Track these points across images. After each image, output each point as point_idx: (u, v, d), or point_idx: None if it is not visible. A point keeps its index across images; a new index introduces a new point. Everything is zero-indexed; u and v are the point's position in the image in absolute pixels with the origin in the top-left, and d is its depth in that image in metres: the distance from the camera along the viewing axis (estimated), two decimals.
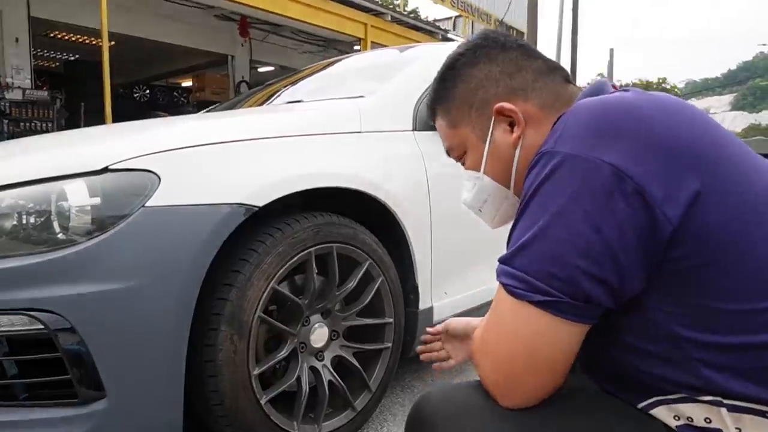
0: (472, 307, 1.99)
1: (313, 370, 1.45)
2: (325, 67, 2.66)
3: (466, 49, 0.86)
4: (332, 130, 1.56)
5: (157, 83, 11.45)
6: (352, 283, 1.50)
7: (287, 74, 2.90)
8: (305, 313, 1.41)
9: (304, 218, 1.38)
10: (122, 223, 1.09)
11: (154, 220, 1.12)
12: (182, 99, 11.18)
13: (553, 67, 0.84)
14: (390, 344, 1.61)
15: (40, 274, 1.03)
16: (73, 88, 7.88)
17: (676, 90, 33.71)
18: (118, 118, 4.62)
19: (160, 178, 1.15)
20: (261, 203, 1.25)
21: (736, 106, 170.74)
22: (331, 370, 1.48)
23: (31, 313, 1.00)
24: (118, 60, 5.01)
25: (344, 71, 2.52)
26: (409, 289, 1.72)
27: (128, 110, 6.86)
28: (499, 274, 0.69)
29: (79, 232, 1.08)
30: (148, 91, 11.04)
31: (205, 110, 2.86)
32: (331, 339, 1.50)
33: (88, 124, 6.64)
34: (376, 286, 1.56)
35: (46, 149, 1.33)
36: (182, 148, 1.22)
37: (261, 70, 10.19)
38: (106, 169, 1.13)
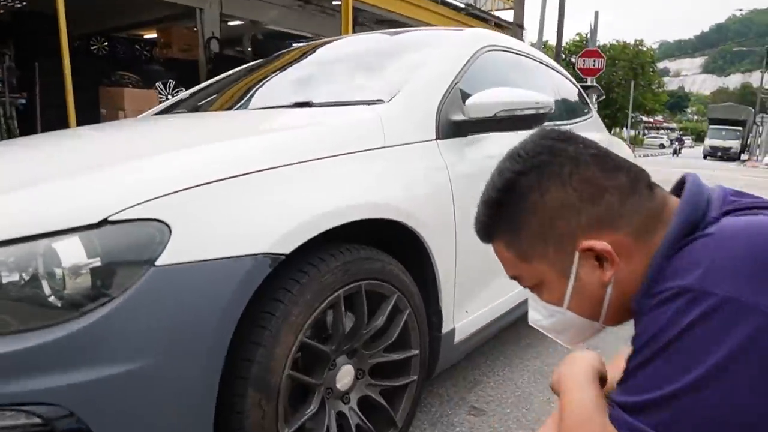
0: (491, 320, 1.88)
1: (340, 414, 1.32)
2: (314, 50, 2.43)
3: (528, 167, 0.71)
4: (356, 148, 1.37)
5: (117, 35, 10.56)
6: (380, 320, 1.35)
7: (273, 57, 2.62)
8: (332, 358, 1.27)
9: (330, 256, 1.21)
10: (130, 289, 0.91)
11: (169, 282, 0.94)
12: (145, 53, 10.25)
13: (636, 178, 0.71)
14: (416, 377, 1.48)
15: (33, 360, 0.85)
16: (24, 42, 6.80)
17: (651, 53, 33.57)
18: (75, 76, 4.31)
19: (170, 229, 0.97)
20: (288, 250, 1.08)
21: (706, 69, 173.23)
22: (358, 412, 1.35)
23: (25, 408, 0.83)
24: (73, 10, 4.54)
25: (346, 58, 2.30)
26: (432, 312, 1.58)
27: (86, 67, 6.09)
28: (618, 423, 0.59)
29: (77, 302, 0.89)
30: (106, 44, 10.12)
31: (178, 97, 2.56)
32: (356, 378, 1.36)
33: (44, 88, 6.06)
34: (404, 320, 1.41)
35: (24, 187, 1.06)
36: (193, 187, 1.03)
37: (232, 24, 9.61)
38: (105, 221, 0.93)
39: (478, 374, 2.07)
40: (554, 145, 0.72)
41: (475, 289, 1.77)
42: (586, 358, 0.91)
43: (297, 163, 1.21)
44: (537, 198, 0.70)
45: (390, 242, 1.46)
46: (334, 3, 8.30)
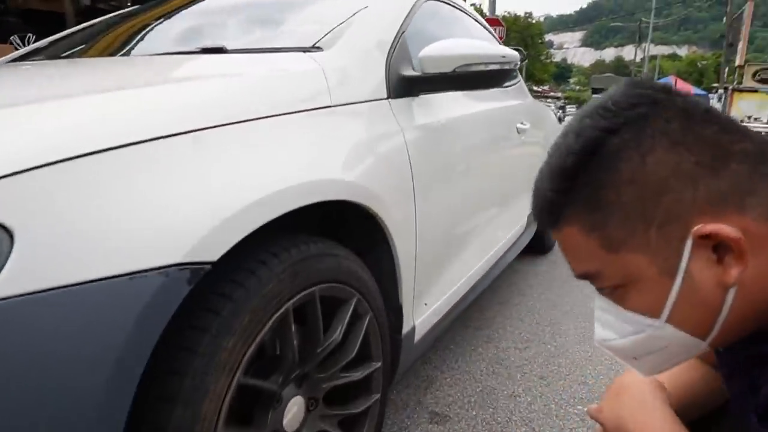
0: (449, 309, 1.62)
1: None
2: None
3: (621, 122, 0.50)
4: (296, 108, 1.00)
5: None
6: (337, 333, 1.02)
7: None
8: (278, 394, 0.92)
9: (272, 257, 0.86)
10: None
11: (10, 329, 0.55)
12: None
13: (765, 146, 0.51)
14: (378, 395, 1.18)
15: None
16: None
17: (540, 26, 35.14)
18: None
19: (12, 237, 0.57)
20: (216, 256, 0.71)
21: (585, 43, 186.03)
22: None
23: None
24: None
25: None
26: (390, 311, 1.28)
27: None
28: None
29: None
30: None
31: (37, 44, 1.95)
32: (308, 410, 1.03)
33: None
34: (364, 327, 1.10)
35: None
36: (51, 164, 0.62)
37: None
38: None
39: (430, 369, 1.82)
40: (655, 95, 0.51)
41: (434, 276, 1.49)
42: (647, 386, 0.68)
43: (212, 127, 0.82)
44: (635, 163, 0.49)
45: (335, 226, 1.14)
46: None
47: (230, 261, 0.80)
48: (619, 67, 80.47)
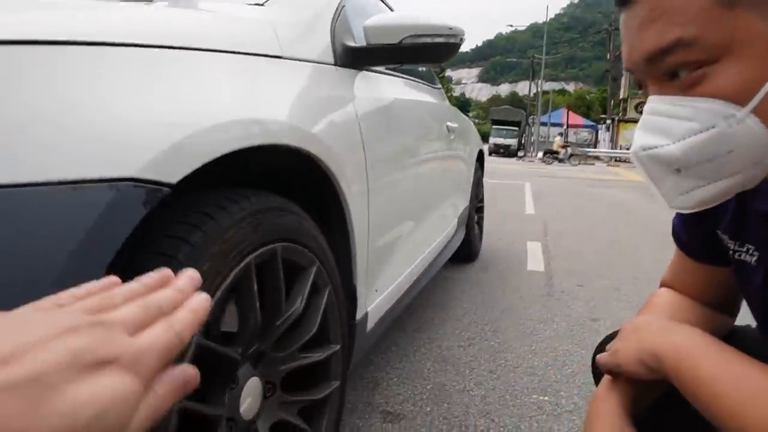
0: (398, 299, 1.57)
1: None
2: None
3: None
4: (250, 49, 0.92)
5: None
6: (298, 304, 0.92)
7: None
8: (236, 365, 0.81)
9: (232, 203, 0.75)
10: None
11: None
12: None
13: None
14: (338, 382, 1.09)
15: None
16: None
17: None
18: None
19: None
20: (174, 178, 0.61)
21: (481, 79, 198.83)
22: None
23: None
24: None
25: None
26: (346, 294, 1.20)
27: None
28: None
29: None
30: None
31: None
32: (264, 396, 0.91)
33: None
34: (323, 302, 1.01)
35: None
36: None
37: None
38: None
39: (373, 371, 1.73)
40: None
41: (384, 260, 1.43)
42: (664, 319, 0.66)
43: (176, 48, 0.72)
44: None
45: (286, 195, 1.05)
46: None
47: (184, 203, 0.69)
48: (514, 101, 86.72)
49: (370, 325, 1.34)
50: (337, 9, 1.38)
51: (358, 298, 1.24)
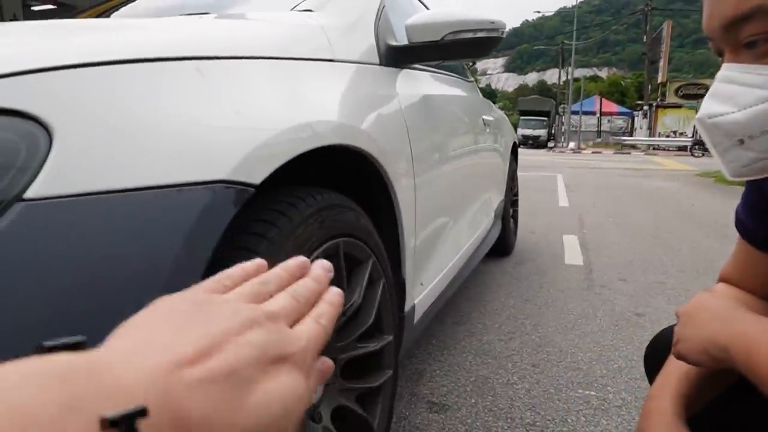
0: (441, 292, 1.63)
1: None
2: None
3: None
4: (308, 55, 0.99)
5: None
6: (357, 296, 1.00)
7: None
8: None
9: (299, 200, 0.83)
10: None
11: (47, 230, 0.50)
12: None
13: None
14: (391, 371, 1.16)
15: None
16: None
17: None
18: None
19: (50, 133, 0.52)
20: (258, 179, 0.68)
21: (507, 68, 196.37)
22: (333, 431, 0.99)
23: None
24: None
25: None
26: (396, 286, 1.27)
27: None
28: None
29: None
30: None
31: None
32: (326, 384, 0.99)
33: None
34: (378, 295, 1.08)
35: None
36: (100, 63, 0.58)
37: (37, 8, 8.06)
38: None
39: (417, 363, 1.80)
40: None
41: (429, 254, 1.50)
42: (718, 300, 0.68)
43: (240, 58, 0.80)
44: None
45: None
46: None
47: (259, 203, 0.77)
48: (543, 90, 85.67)
49: (416, 317, 1.40)
50: (378, 9, 1.45)
51: (407, 290, 1.31)
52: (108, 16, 1.63)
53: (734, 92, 0.53)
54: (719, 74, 0.55)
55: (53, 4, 7.86)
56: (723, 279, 0.82)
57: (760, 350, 0.54)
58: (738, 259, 0.79)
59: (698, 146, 19.98)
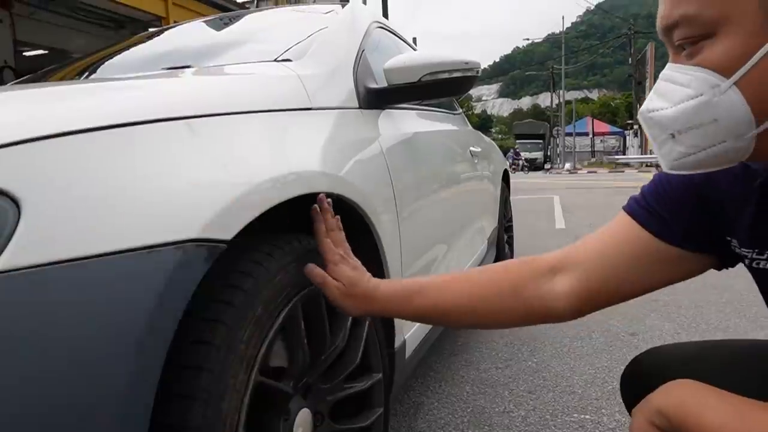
0: (432, 326, 1.62)
1: None
2: (161, 33, 1.99)
3: None
4: (282, 105, 1.01)
5: None
6: (341, 337, 0.99)
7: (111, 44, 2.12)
8: (289, 402, 0.88)
9: (276, 248, 0.83)
10: None
11: (15, 301, 0.51)
12: None
13: None
14: (381, 409, 1.14)
15: None
16: None
17: None
18: None
19: (19, 207, 0.53)
20: (229, 234, 0.69)
21: (502, 94, 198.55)
22: None
23: None
24: None
25: (213, 35, 1.89)
26: (384, 324, 1.26)
27: None
28: None
29: None
30: None
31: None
32: (315, 426, 0.98)
33: None
34: (365, 333, 1.08)
35: None
36: (57, 135, 0.60)
37: (29, 54, 8.23)
38: None
39: (415, 396, 1.78)
40: None
41: None
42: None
43: (216, 114, 0.82)
44: None
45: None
46: (151, 30, 7.53)
47: (235, 254, 0.77)
48: (537, 113, 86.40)
49: (408, 352, 1.39)
50: (357, 55, 1.48)
51: (395, 326, 1.30)
52: (96, 68, 1.66)
53: (670, 90, 0.57)
54: (662, 73, 0.60)
55: (45, 50, 8.00)
56: (559, 261, 0.79)
57: (693, 411, 0.59)
58: (605, 241, 0.77)
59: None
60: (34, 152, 0.57)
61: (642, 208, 0.75)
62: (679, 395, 0.63)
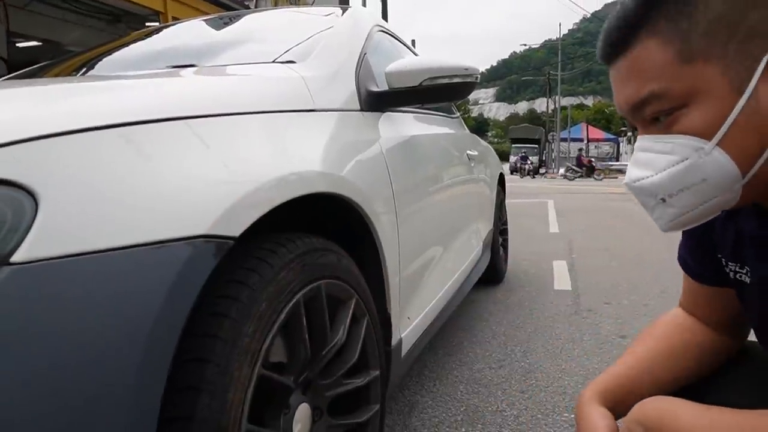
0: (429, 325, 1.64)
1: None
2: (161, 30, 2.00)
3: None
4: (287, 107, 1.03)
5: None
6: (341, 334, 1.01)
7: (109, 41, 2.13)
8: (290, 397, 0.89)
9: (280, 246, 0.85)
10: None
11: (34, 292, 0.52)
12: None
13: None
14: (378, 406, 1.16)
15: None
16: None
17: None
18: None
19: (37, 201, 0.55)
20: (237, 231, 0.71)
21: (498, 98, 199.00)
22: None
23: None
24: None
25: (215, 34, 1.91)
26: (382, 322, 1.28)
27: None
28: None
29: None
30: None
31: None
32: (313, 421, 0.99)
33: None
34: (363, 332, 1.09)
35: None
36: (81, 130, 0.61)
37: (22, 45, 8.17)
38: None
39: (409, 394, 1.80)
40: None
41: (415, 288, 1.51)
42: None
43: (219, 115, 0.84)
44: None
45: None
46: (147, 24, 7.50)
47: (240, 251, 0.79)
48: (533, 118, 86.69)
49: (404, 350, 1.41)
50: (360, 58, 1.50)
51: (393, 325, 1.32)
52: (95, 64, 1.67)
53: (650, 159, 0.59)
54: (636, 144, 0.62)
55: (39, 42, 7.96)
56: (680, 306, 0.88)
57: (669, 416, 0.61)
58: (686, 290, 0.86)
59: (570, 170, 20.23)
60: (51, 148, 0.58)
61: (681, 259, 0.83)
62: (653, 406, 0.65)
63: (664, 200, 0.60)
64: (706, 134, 0.55)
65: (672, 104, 0.56)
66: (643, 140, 0.60)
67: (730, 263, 0.71)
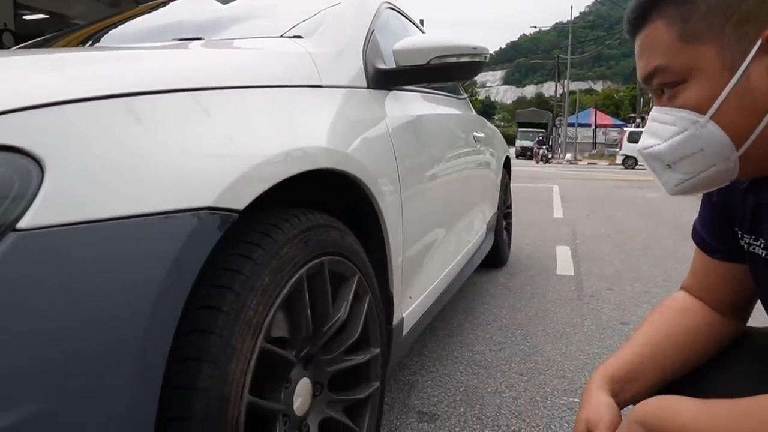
0: (431, 305, 1.65)
1: None
2: (166, 4, 1.98)
3: None
4: (293, 81, 1.02)
5: None
6: (343, 311, 1.02)
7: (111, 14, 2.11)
8: (291, 371, 0.90)
9: (284, 221, 0.85)
10: None
11: (40, 258, 0.53)
12: None
13: None
14: (377, 383, 1.17)
15: None
16: None
17: None
18: None
19: (43, 168, 0.55)
20: (242, 204, 0.71)
21: (506, 81, 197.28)
22: None
23: None
24: None
25: (220, 7, 1.89)
26: (384, 301, 1.29)
27: None
28: None
29: None
30: None
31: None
32: (314, 395, 1.01)
33: None
34: (365, 309, 1.10)
35: None
36: (87, 99, 0.61)
37: (29, 17, 8.12)
38: None
39: (409, 374, 1.82)
40: None
41: (417, 268, 1.52)
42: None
43: (227, 88, 0.83)
44: None
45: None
46: (156, 1, 7.42)
47: (244, 226, 0.79)
48: (540, 102, 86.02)
49: (405, 330, 1.42)
50: (367, 35, 1.48)
51: (394, 304, 1.33)
52: (101, 36, 1.66)
53: (658, 129, 0.65)
54: (650, 114, 0.68)
55: (45, 14, 7.91)
56: (682, 288, 0.90)
57: (669, 411, 0.64)
58: (694, 268, 0.87)
59: None
60: (57, 116, 0.58)
61: (696, 234, 0.86)
62: (653, 406, 0.67)
63: (669, 166, 0.65)
64: (702, 109, 0.60)
65: (674, 78, 0.62)
66: (654, 111, 0.66)
67: (745, 235, 0.74)
